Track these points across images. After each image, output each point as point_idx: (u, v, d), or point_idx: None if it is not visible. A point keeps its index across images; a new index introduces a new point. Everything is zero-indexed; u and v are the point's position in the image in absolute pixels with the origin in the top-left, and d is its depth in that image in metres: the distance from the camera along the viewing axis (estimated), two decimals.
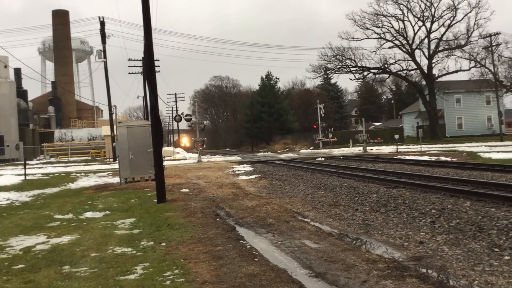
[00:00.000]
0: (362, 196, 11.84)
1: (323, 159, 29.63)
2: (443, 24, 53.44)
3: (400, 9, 53.88)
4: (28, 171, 24.04)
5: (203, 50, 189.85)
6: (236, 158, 37.45)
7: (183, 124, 58.41)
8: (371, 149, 39.05)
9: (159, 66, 42.53)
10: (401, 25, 54.61)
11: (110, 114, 40.44)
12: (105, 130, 48.10)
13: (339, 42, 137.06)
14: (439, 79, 55.26)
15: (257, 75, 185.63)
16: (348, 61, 56.21)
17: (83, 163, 38.21)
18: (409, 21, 55.81)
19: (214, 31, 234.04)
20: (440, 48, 54.07)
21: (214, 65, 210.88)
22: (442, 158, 24.78)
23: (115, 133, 32.52)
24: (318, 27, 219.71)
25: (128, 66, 49.29)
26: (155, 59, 12.98)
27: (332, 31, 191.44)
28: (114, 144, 29.12)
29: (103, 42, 39.88)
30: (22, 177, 22.33)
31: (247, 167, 25.46)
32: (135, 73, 49.77)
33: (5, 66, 51.87)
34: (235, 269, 5.82)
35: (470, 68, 51.94)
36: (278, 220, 9.18)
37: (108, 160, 42.69)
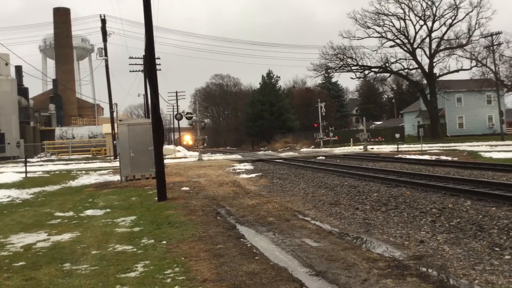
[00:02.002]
0: (363, 195, 11.84)
1: (323, 158, 29.62)
2: (444, 23, 53.44)
3: (401, 8, 53.88)
4: (28, 169, 24.04)
5: (204, 49, 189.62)
6: (237, 156, 37.46)
7: (184, 123, 58.54)
8: (372, 148, 39.04)
9: (160, 64, 42.49)
10: (403, 24, 54.61)
11: (111, 112, 40.47)
12: (106, 128, 48.12)
13: (340, 41, 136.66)
14: (440, 78, 55.20)
15: (258, 73, 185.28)
16: (349, 59, 56.19)
17: (84, 161, 38.23)
18: (411, 20, 55.77)
19: (210, 32, 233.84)
20: (441, 47, 54.00)
21: (215, 64, 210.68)
22: (443, 157, 24.77)
23: (116, 131, 32.54)
24: (315, 27, 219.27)
25: (129, 64, 49.34)
26: (156, 57, 12.97)
27: (328, 30, 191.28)
28: (115, 142, 29.17)
29: (104, 40, 39.90)
30: (23, 175, 22.33)
31: (248, 166, 25.46)
32: (136, 71, 49.80)
33: (6, 64, 51.83)
34: (236, 267, 5.82)
35: (471, 68, 51.94)
36: (278, 218, 9.19)
37: (108, 158, 42.70)
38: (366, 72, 57.91)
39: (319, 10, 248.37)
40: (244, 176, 19.69)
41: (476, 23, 50.66)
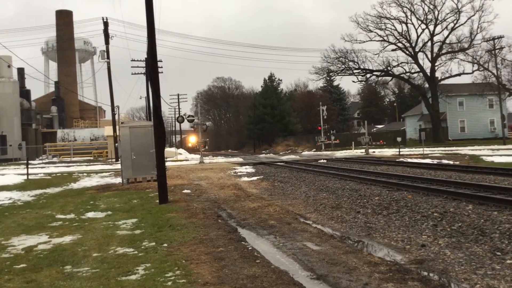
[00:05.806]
0: (364, 198, 11.83)
1: (325, 161, 29.59)
2: (446, 27, 53.42)
3: (403, 12, 53.88)
4: (30, 171, 24.08)
5: (205, 52, 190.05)
6: (238, 159, 37.44)
7: (186, 125, 58.47)
8: (373, 152, 39.00)
9: (161, 67, 42.64)
10: (404, 27, 54.61)
11: (113, 115, 40.48)
12: (108, 131, 48.17)
13: (342, 44, 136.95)
14: (442, 82, 55.19)
15: (259, 76, 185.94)
16: (351, 63, 56.19)
17: (86, 163, 38.26)
18: (412, 23, 55.79)
19: (207, 35, 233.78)
20: (443, 51, 54.00)
21: (216, 67, 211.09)
22: (445, 161, 24.73)
23: (117, 134, 32.57)
24: (311, 31, 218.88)
25: (131, 67, 49.36)
26: (158, 60, 13.00)
27: (324, 34, 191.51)
28: (116, 144, 29.15)
29: (106, 42, 39.96)
30: (25, 177, 22.36)
31: (249, 169, 25.45)
32: (138, 73, 49.81)
33: (9, 66, 51.96)
34: (237, 270, 5.82)
35: (473, 71, 51.91)
36: (280, 222, 9.18)
37: (110, 160, 42.72)
38: (368, 75, 57.97)
39: (313, 15, 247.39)
40: (246, 179, 19.68)
41: (478, 27, 50.72)
